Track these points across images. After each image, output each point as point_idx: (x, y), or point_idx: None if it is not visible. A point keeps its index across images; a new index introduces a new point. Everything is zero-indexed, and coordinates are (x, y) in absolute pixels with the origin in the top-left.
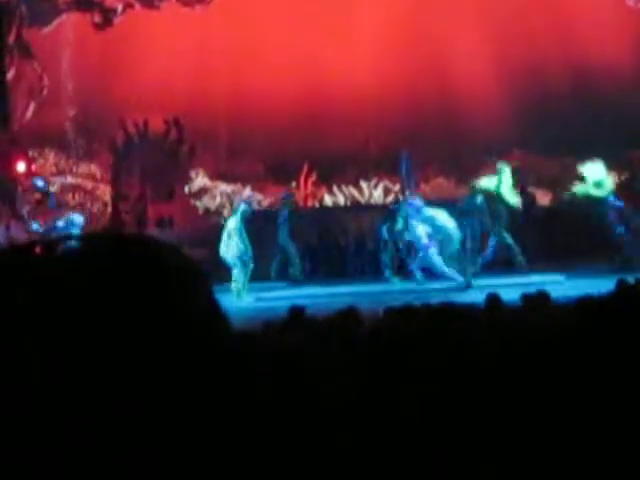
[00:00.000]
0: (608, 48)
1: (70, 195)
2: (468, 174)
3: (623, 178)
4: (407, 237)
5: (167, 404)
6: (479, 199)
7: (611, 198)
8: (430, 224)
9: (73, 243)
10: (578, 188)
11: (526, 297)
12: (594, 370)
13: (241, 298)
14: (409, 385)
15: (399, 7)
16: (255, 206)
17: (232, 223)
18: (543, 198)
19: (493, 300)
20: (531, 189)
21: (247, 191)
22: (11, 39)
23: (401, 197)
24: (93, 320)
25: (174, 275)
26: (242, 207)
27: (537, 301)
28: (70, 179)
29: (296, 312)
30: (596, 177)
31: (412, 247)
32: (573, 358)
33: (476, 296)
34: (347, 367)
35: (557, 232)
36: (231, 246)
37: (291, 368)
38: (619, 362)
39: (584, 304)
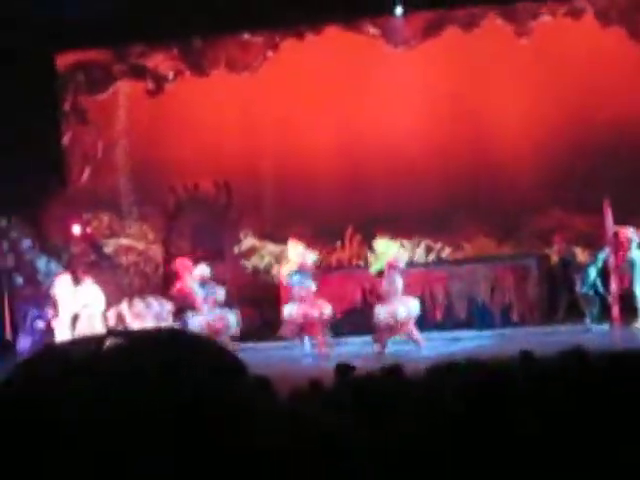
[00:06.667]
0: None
1: (124, 256)
2: (508, 232)
3: None
4: None
5: None
6: None
7: None
8: None
9: (118, 340)
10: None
11: None
12: None
13: None
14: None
15: (432, 72)
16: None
17: None
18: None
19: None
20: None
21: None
22: (67, 106)
23: None
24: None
25: (209, 378)
26: None
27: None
28: (123, 240)
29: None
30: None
31: None
32: None
33: None
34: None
35: None
36: None
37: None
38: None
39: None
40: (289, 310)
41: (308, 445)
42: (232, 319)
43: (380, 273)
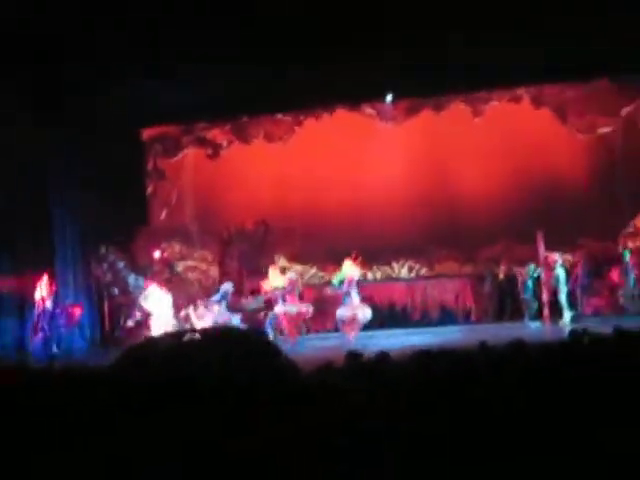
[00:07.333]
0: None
1: (190, 273)
2: (468, 257)
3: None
4: None
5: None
6: None
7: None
8: None
9: (195, 335)
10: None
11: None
12: None
13: None
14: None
15: (413, 142)
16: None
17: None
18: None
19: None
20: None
21: (313, 269)
22: (150, 166)
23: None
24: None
25: (258, 352)
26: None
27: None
28: (190, 262)
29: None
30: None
31: None
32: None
33: None
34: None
35: None
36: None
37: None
38: None
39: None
40: (282, 309)
41: (336, 410)
42: (235, 320)
43: (338, 285)
